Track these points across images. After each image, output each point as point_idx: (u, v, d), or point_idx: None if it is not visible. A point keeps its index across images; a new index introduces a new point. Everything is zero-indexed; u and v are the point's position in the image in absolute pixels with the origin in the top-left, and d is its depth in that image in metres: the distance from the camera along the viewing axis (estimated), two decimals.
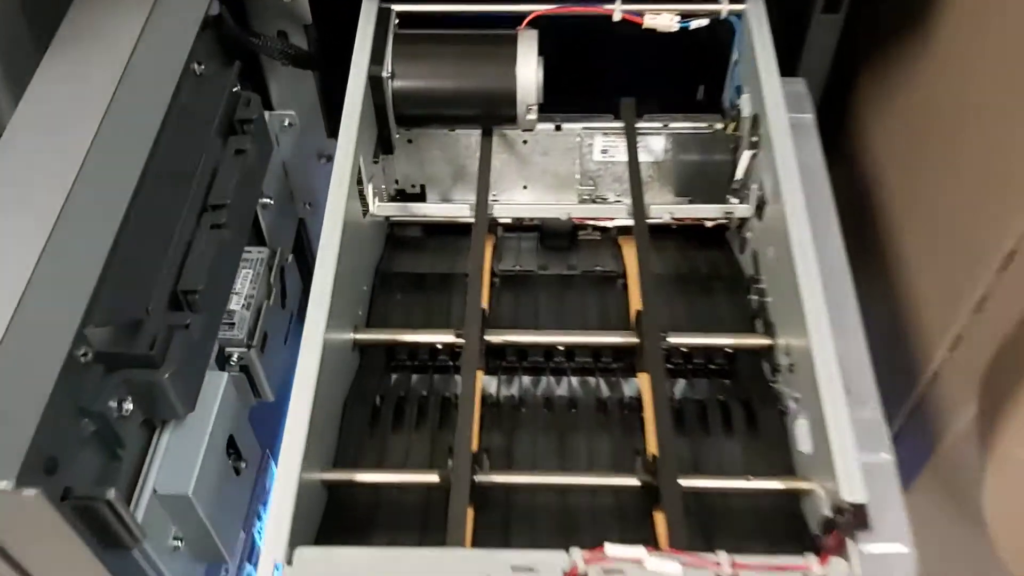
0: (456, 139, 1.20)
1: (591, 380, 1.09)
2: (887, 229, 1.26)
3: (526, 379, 1.09)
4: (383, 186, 1.27)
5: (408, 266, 1.14)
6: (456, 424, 0.89)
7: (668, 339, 1.03)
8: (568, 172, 1.29)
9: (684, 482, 0.87)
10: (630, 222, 1.16)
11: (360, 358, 1.09)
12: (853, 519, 0.79)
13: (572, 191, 1.31)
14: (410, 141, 1.26)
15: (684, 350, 1.07)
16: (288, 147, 1.21)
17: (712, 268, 1.21)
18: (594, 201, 1.33)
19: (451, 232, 1.25)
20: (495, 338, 1.05)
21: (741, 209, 1.16)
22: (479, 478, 0.89)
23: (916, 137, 1.20)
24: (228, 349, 1.00)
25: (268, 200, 1.19)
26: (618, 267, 1.20)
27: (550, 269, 1.14)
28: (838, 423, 0.83)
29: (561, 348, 1.09)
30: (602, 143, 1.27)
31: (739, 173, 1.17)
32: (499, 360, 1.09)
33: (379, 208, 1.15)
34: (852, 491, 0.80)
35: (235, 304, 1.04)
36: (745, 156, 1.15)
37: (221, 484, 0.90)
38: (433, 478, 0.90)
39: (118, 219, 0.80)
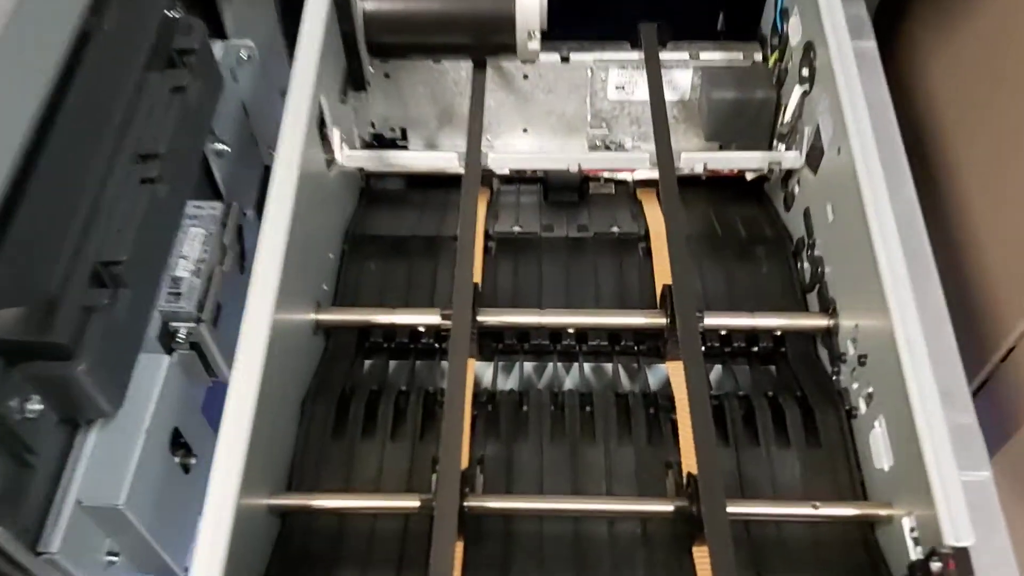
0: (443, 73, 1.05)
1: (607, 367, 0.89)
2: (948, 180, 1.05)
3: (528, 366, 0.89)
4: (354, 130, 1.06)
5: (385, 228, 1.03)
6: (441, 430, 0.69)
7: (705, 319, 0.82)
8: (577, 113, 1.11)
9: (732, 508, 0.68)
10: (654, 173, 0.95)
11: (325, 343, 0.88)
12: (954, 567, 0.61)
13: (582, 136, 1.11)
14: (387, 76, 1.06)
15: (723, 333, 0.86)
16: (248, 84, 1.04)
17: (751, 229, 1.00)
18: (608, 148, 1.11)
19: (437, 185, 1.05)
20: (490, 318, 0.85)
21: (789, 158, 0.95)
22: (470, 503, 0.70)
23: (984, 71, 1.03)
24: (174, 324, 0.84)
25: (222, 146, 1.02)
26: (639, 228, 0.99)
27: (556, 231, 1.02)
28: (934, 434, 0.65)
29: (571, 331, 0.88)
30: (617, 77, 1.06)
31: (787, 114, 0.95)
32: (496, 343, 0.88)
33: (348, 157, 0.95)
34: (956, 531, 0.62)
35: (182, 270, 0.87)
36: (795, 93, 0.94)
37: (165, 487, 0.77)
38: (412, 503, 0.71)
39: (5, 171, 0.67)
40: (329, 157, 0.93)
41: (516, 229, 1.01)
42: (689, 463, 0.75)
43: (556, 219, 1.03)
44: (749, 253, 0.98)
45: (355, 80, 1.00)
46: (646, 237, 0.98)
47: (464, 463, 0.72)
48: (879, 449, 0.74)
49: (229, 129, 1.03)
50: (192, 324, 0.84)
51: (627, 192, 1.07)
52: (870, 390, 0.77)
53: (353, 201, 1.05)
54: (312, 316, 0.85)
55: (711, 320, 0.85)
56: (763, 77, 1.00)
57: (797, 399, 0.82)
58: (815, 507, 0.72)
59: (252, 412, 0.65)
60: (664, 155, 0.93)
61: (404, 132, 1.13)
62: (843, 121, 0.83)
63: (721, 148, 1.08)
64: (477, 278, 0.87)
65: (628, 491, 0.77)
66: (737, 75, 1.00)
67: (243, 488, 0.62)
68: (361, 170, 1.03)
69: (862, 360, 0.78)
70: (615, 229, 1.00)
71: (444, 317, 0.85)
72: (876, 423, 0.74)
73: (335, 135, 0.93)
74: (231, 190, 1.07)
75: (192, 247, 0.91)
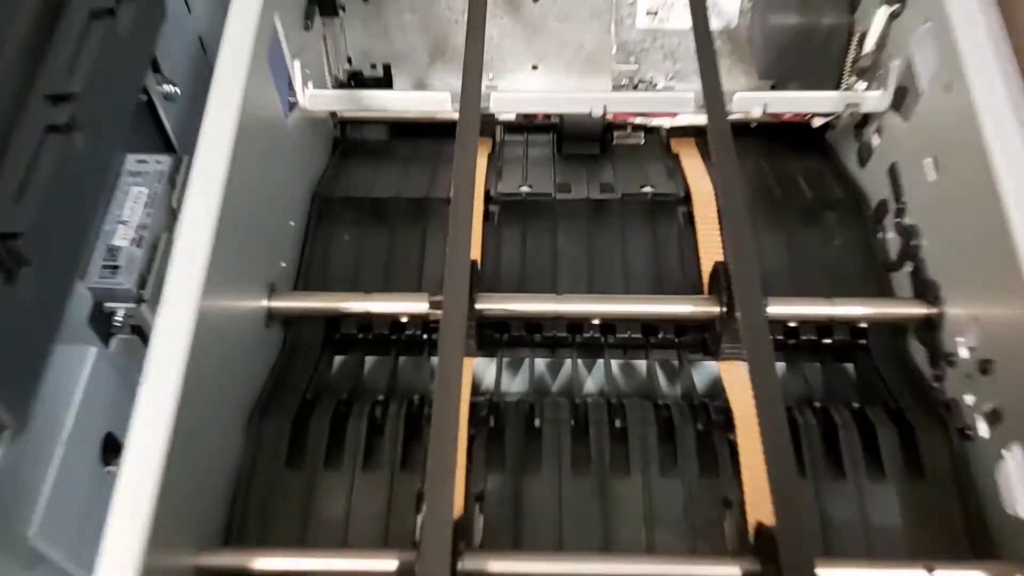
0: None
1: (640, 366, 0.70)
2: None
3: (540, 364, 0.70)
4: (325, 66, 0.85)
5: (362, 187, 0.84)
6: (428, 459, 0.51)
7: (769, 307, 0.63)
8: (599, 45, 0.92)
9: (822, 571, 0.49)
10: (698, 119, 0.74)
11: (282, 337, 0.69)
12: None
13: (604, 74, 0.91)
14: (367, 0, 0.84)
15: (792, 325, 0.67)
16: (204, 13, 0.89)
17: (816, 189, 0.80)
18: (636, 88, 0.91)
19: (428, 135, 0.85)
20: (491, 306, 0.66)
21: (871, 99, 0.75)
22: (466, 565, 0.51)
23: None
24: (110, 305, 0.69)
25: (172, 88, 0.84)
26: (676, 187, 0.79)
27: (574, 191, 0.83)
28: None
29: (595, 321, 0.69)
30: (649, 1, 0.85)
31: (866, 44, 0.75)
32: (499, 333, 0.70)
33: (313, 98, 0.74)
34: None
35: (120, 238, 0.71)
36: (878, 17, 0.74)
37: (94, 506, 0.61)
38: (388, 565, 0.52)
39: None
40: (289, 100, 0.72)
41: (524, 189, 0.81)
42: (756, 503, 0.56)
43: (574, 176, 0.84)
44: (815, 219, 0.79)
45: (324, 4, 0.80)
46: (687, 200, 0.78)
47: (459, 505, 0.53)
48: (1012, 488, 0.55)
49: (181, 67, 0.86)
50: (132, 304, 0.69)
51: (659, 142, 0.88)
52: (996, 406, 0.58)
53: (323, 154, 0.86)
54: (263, 303, 0.66)
55: (777, 308, 0.66)
56: None
57: (890, 412, 0.63)
58: (929, 570, 0.53)
59: (167, 436, 0.49)
60: (713, 94, 0.72)
61: (388, 70, 0.94)
62: (955, 50, 0.63)
63: (774, 88, 0.88)
64: (476, 253, 0.68)
65: (675, 540, 0.58)
66: None
67: (153, 544, 0.47)
68: (333, 115, 0.83)
69: (985, 367, 0.58)
70: (647, 189, 0.80)
71: (433, 305, 0.65)
72: (1007, 453, 0.55)
73: (296, 70, 0.73)
74: (184, 141, 0.87)
75: (133, 210, 0.74)
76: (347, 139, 0.91)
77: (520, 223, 0.79)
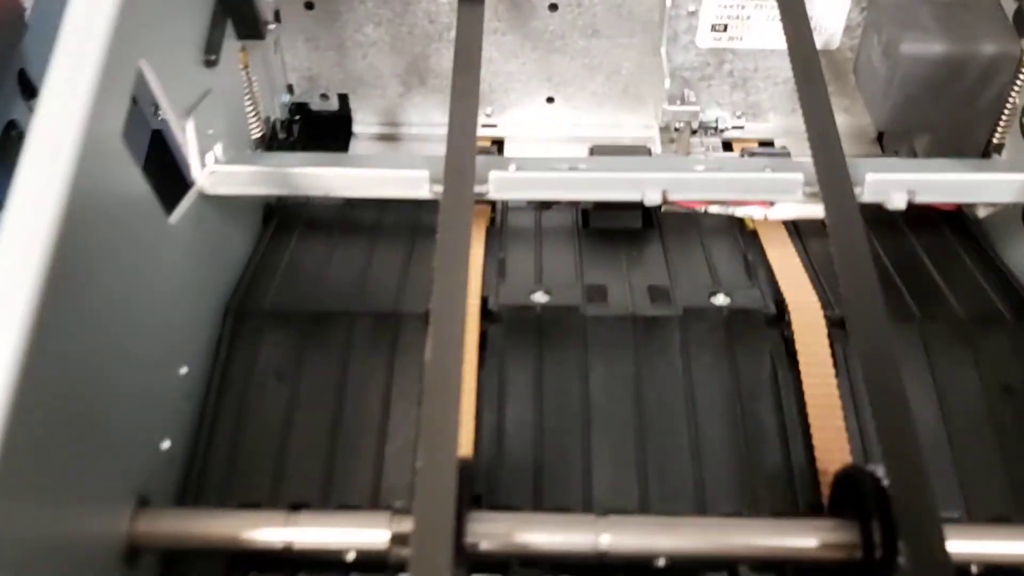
0: (409, 3, 0.63)
1: None
2: None
3: None
4: (251, 105, 0.58)
5: (299, 294, 0.59)
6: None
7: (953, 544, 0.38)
8: (641, 69, 0.69)
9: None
10: (811, 210, 0.48)
11: None
12: None
13: (646, 108, 0.63)
14: (310, 6, 0.57)
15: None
16: None
17: (966, 295, 0.55)
18: (694, 131, 0.64)
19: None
20: (488, 530, 0.42)
21: None
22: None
23: None
24: None
25: None
26: (765, 297, 0.54)
27: (611, 299, 0.57)
28: None
29: (660, 564, 0.44)
30: (716, 9, 0.58)
31: None
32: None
33: (217, 178, 0.48)
34: None
35: None
36: None
37: None
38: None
39: None
40: (178, 181, 0.46)
41: (540, 299, 0.54)
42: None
43: (608, 269, 0.59)
44: (968, 341, 0.53)
45: (242, 21, 0.53)
46: (780, 317, 0.52)
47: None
48: None
49: None
50: None
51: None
52: None
53: (242, 241, 0.59)
54: (120, 529, 0.40)
55: (960, 544, 0.41)
56: (993, 15, 0.52)
57: None
58: None
59: None
60: (834, 174, 0.47)
61: (344, 101, 0.66)
62: None
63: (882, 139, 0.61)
64: (467, 440, 0.42)
65: None
66: (941, 11, 0.52)
67: None
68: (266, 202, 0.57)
69: None
70: (721, 300, 0.54)
71: (396, 540, 0.40)
72: None
73: (189, 134, 0.46)
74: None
75: None
76: (285, 207, 0.64)
77: (533, 353, 0.53)
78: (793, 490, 0.49)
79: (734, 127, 0.68)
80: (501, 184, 0.51)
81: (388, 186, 0.51)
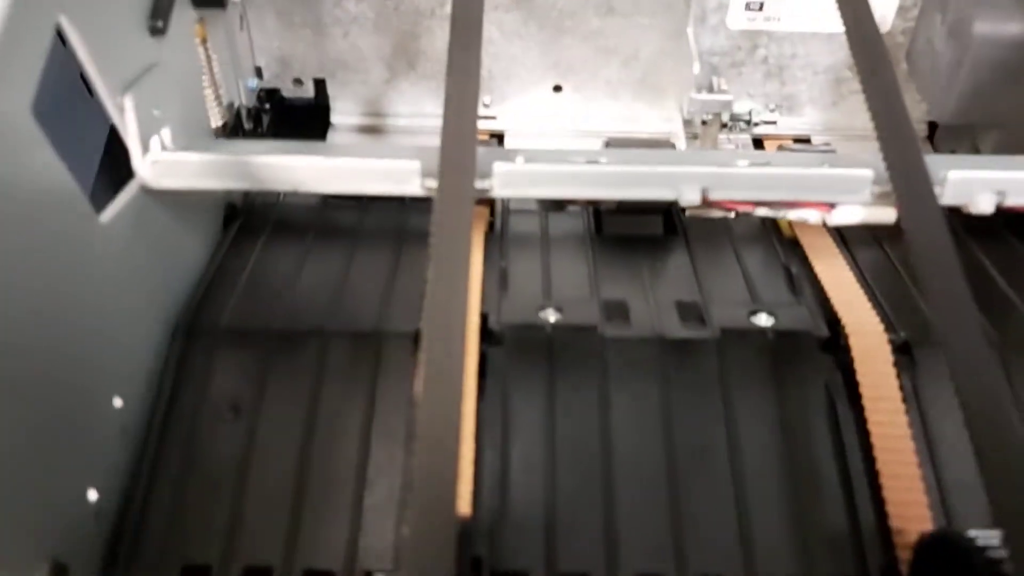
0: None
1: None
2: None
3: None
4: (211, 87, 0.49)
5: (262, 309, 0.49)
6: None
7: None
8: (664, 53, 0.60)
9: None
10: (878, 213, 0.39)
11: None
12: None
13: (667, 98, 0.55)
14: None
15: None
16: None
17: None
18: (724, 125, 0.56)
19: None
20: None
21: None
22: None
23: None
24: None
25: None
26: (815, 316, 0.45)
27: (633, 318, 0.48)
28: None
29: None
30: None
31: None
32: None
33: (163, 168, 0.39)
34: None
35: None
36: None
37: None
38: None
39: None
40: (105, 169, 0.37)
41: (550, 317, 0.46)
42: None
43: (627, 280, 0.50)
44: None
45: None
46: (835, 342, 0.44)
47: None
48: None
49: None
50: None
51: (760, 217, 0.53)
52: None
53: (198, 245, 0.50)
54: None
55: None
56: None
57: None
58: None
59: None
60: (910, 171, 0.38)
61: (321, 87, 0.58)
62: None
63: (933, 132, 0.53)
64: (464, 475, 0.34)
65: None
66: None
67: None
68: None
69: None
70: (764, 320, 0.46)
71: None
72: None
73: (128, 113, 0.38)
74: None
75: None
76: (251, 208, 0.55)
77: (542, 382, 0.45)
78: (860, 552, 0.40)
79: (766, 122, 0.59)
80: (507, 179, 0.42)
81: (371, 180, 0.42)
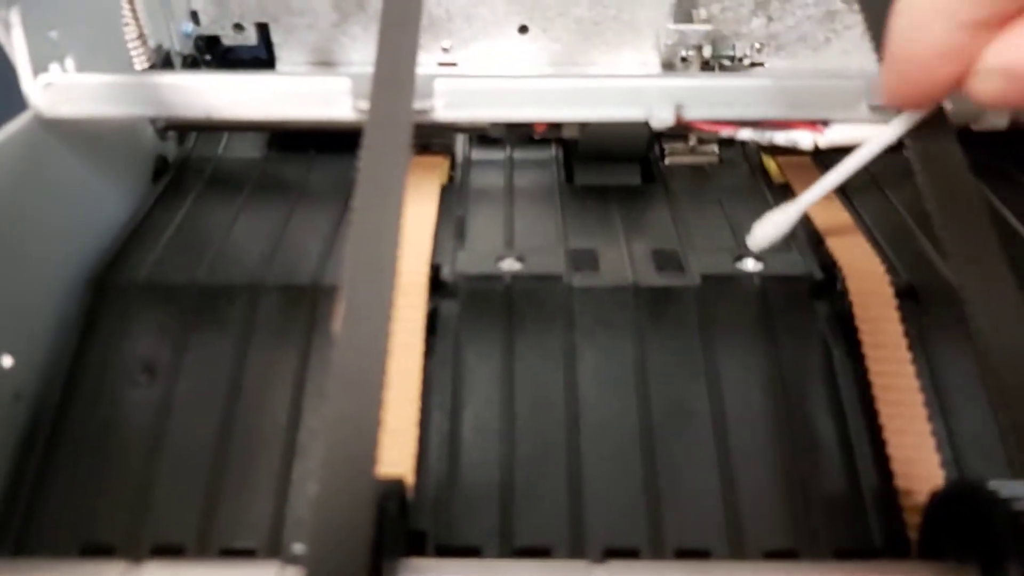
0: None
1: None
2: None
3: None
4: (134, 27, 0.44)
5: (188, 263, 0.44)
6: None
7: None
8: None
9: None
10: (879, 133, 0.34)
11: None
12: None
13: (645, 41, 0.50)
14: None
15: None
16: None
17: None
18: (709, 66, 0.51)
19: (346, 143, 0.45)
20: None
21: None
22: None
23: None
24: None
25: None
26: (808, 260, 0.40)
27: (604, 268, 0.44)
28: None
29: None
30: None
31: None
32: None
33: (57, 92, 0.33)
34: None
35: None
36: None
37: None
38: None
39: None
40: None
41: (510, 266, 0.41)
42: None
43: (600, 233, 0.45)
44: None
45: None
46: (829, 284, 0.39)
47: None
48: None
49: None
50: None
51: (748, 163, 0.48)
52: None
53: (120, 197, 0.44)
54: None
55: None
56: None
57: None
58: None
59: None
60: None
61: (264, 32, 0.52)
62: None
63: None
64: (407, 439, 0.29)
65: None
66: None
67: None
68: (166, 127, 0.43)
69: None
70: (751, 265, 0.41)
71: None
72: None
73: (14, 27, 0.33)
74: None
75: None
76: (185, 158, 0.50)
77: (500, 337, 0.39)
78: (863, 518, 0.35)
79: (753, 63, 0.54)
80: (453, 97, 0.37)
81: (294, 103, 0.37)
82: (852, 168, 0.32)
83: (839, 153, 0.37)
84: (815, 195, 0.33)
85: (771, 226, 0.35)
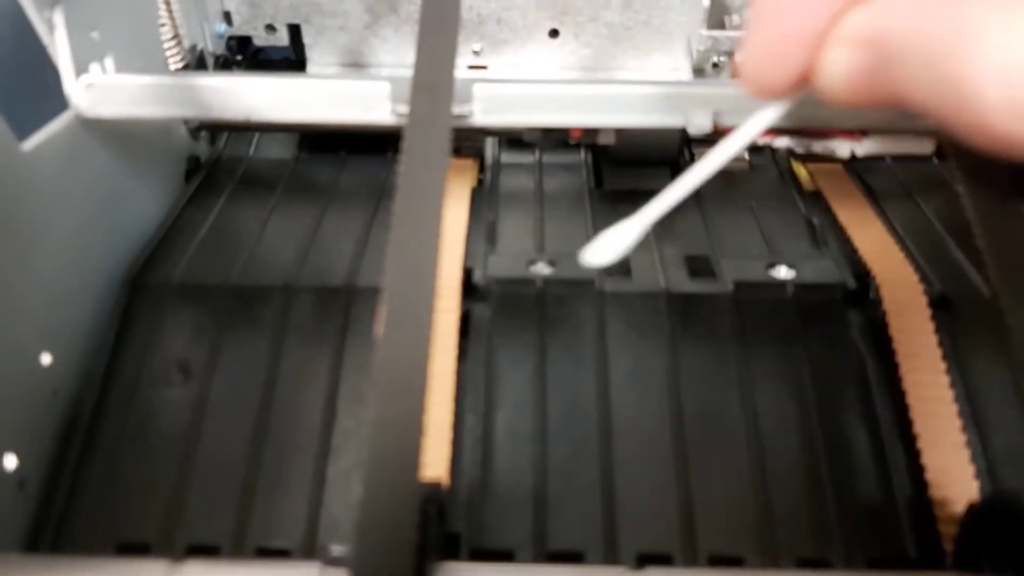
0: None
1: None
2: None
3: None
4: (170, 27, 0.44)
5: (221, 265, 0.44)
6: None
7: None
8: None
9: None
10: (919, 145, 0.34)
11: None
12: None
13: (677, 46, 0.50)
14: None
15: None
16: None
17: None
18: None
19: (373, 145, 0.51)
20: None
21: None
22: None
23: None
24: None
25: None
26: (841, 268, 0.40)
27: (635, 274, 0.43)
28: None
29: None
30: None
31: None
32: None
33: (100, 93, 0.33)
34: None
35: None
36: None
37: None
38: None
39: None
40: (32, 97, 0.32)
41: (541, 270, 0.41)
42: None
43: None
44: None
45: None
46: (862, 294, 0.39)
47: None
48: None
49: None
50: None
51: (776, 169, 0.48)
52: None
53: (155, 195, 0.45)
54: None
55: None
56: None
57: None
58: None
59: None
60: None
61: (296, 33, 0.53)
62: None
63: None
64: (441, 443, 0.29)
65: None
66: None
67: None
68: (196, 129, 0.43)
69: None
70: (784, 272, 0.41)
71: None
72: None
73: (58, 30, 0.33)
74: None
75: None
76: (216, 158, 0.50)
77: (533, 342, 0.40)
78: (897, 528, 0.35)
79: None
80: (491, 102, 0.37)
81: (334, 106, 0.37)
82: (705, 174, 0.27)
83: (873, 161, 0.37)
84: (663, 206, 0.28)
85: (617, 237, 0.31)
